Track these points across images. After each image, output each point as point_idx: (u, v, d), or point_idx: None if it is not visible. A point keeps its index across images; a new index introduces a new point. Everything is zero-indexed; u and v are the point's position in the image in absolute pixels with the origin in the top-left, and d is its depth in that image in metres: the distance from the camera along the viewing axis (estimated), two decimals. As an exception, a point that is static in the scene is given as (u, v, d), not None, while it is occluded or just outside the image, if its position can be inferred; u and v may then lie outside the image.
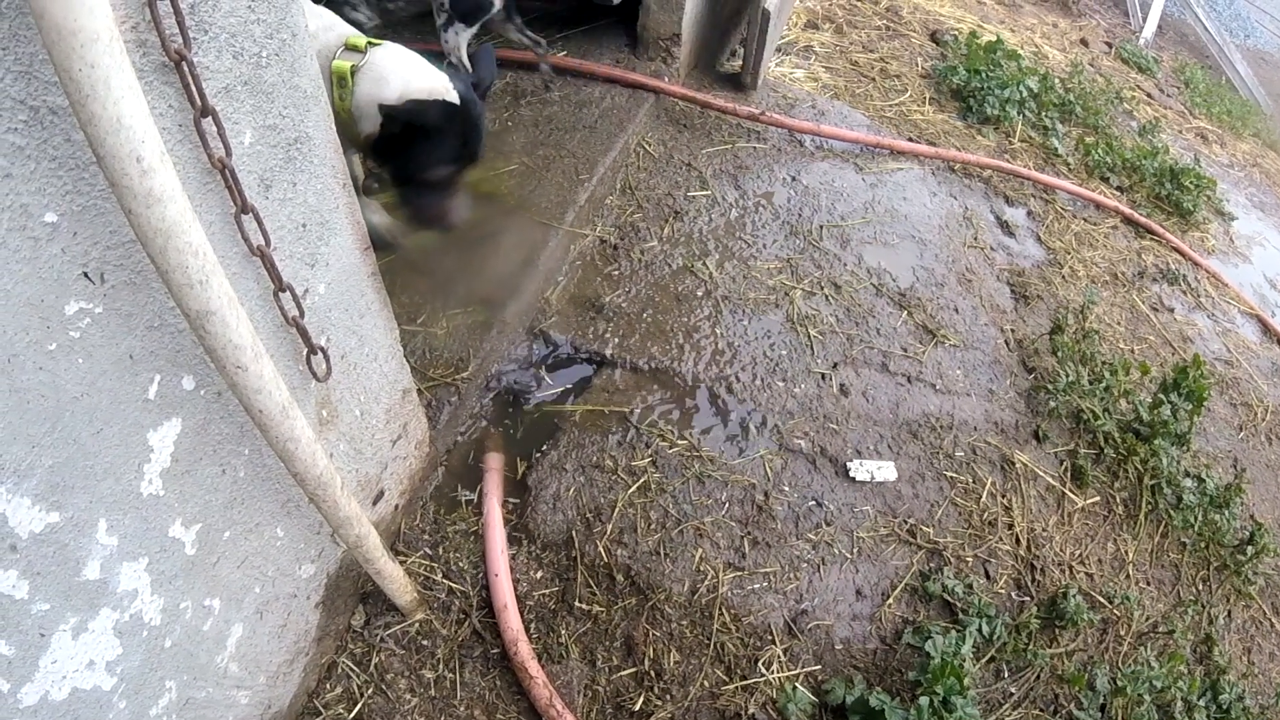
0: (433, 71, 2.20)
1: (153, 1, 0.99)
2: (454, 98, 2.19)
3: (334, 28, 2.17)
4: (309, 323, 1.49)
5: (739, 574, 2.42)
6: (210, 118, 1.13)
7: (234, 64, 1.20)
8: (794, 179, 3.79)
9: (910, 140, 4.34)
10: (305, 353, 1.53)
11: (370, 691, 2.09)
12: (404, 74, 2.15)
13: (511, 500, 2.49)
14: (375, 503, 2.14)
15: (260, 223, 1.29)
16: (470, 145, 2.30)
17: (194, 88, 1.08)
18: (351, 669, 2.11)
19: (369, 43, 2.13)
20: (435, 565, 2.31)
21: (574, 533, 2.41)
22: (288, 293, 1.40)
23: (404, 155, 2.22)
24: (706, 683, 2.23)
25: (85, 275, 1.09)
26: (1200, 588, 2.95)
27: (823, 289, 3.32)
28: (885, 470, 2.77)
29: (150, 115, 0.97)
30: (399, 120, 2.09)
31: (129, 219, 1.02)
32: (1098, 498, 3.01)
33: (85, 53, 0.86)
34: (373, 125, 2.15)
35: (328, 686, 2.08)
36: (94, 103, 0.89)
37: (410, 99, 2.10)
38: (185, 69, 1.06)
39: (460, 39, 3.07)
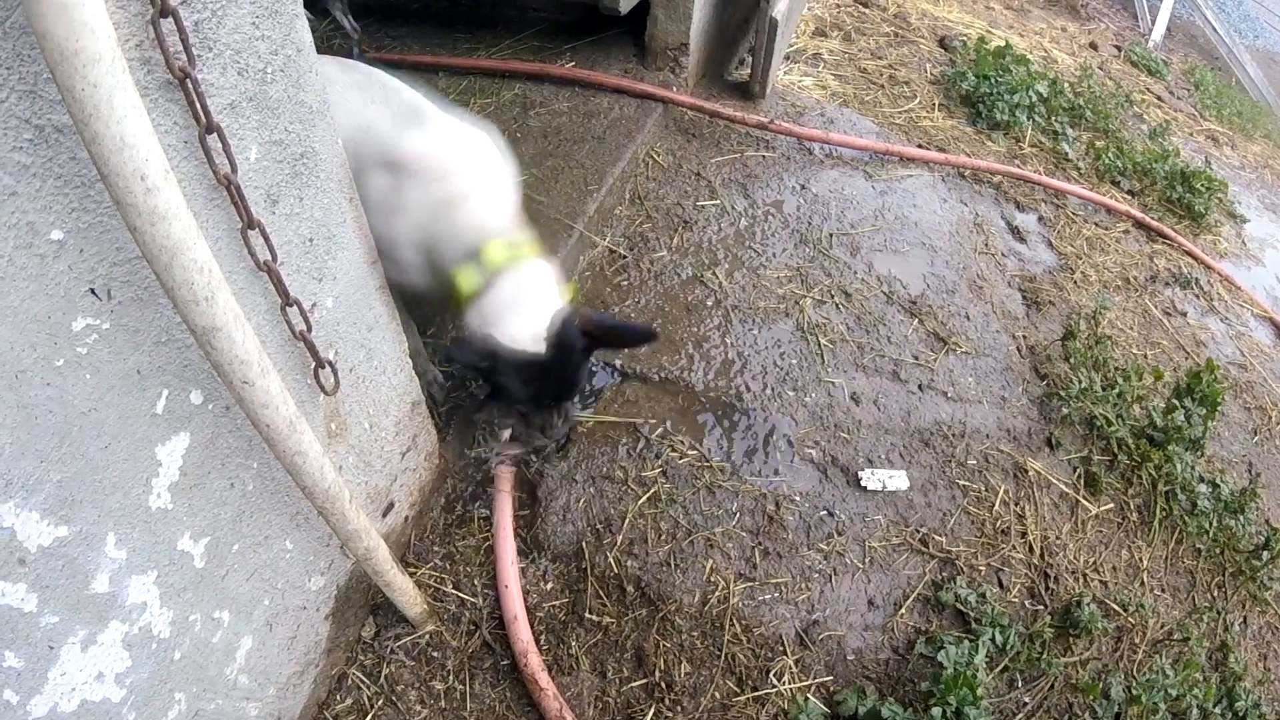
0: (536, 318, 2.02)
1: (156, 19, 1.00)
2: (541, 350, 2.02)
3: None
4: (317, 337, 1.50)
5: (750, 584, 2.41)
6: (215, 134, 1.14)
7: (239, 80, 1.21)
8: (803, 187, 3.79)
9: (920, 147, 4.32)
10: (313, 366, 1.54)
11: (381, 703, 2.09)
12: (504, 319, 2.00)
13: (521, 512, 2.49)
14: (385, 515, 2.15)
15: (267, 238, 1.29)
16: (563, 389, 2.18)
17: (198, 105, 1.09)
18: (362, 680, 2.11)
19: (506, 259, 2.00)
20: (445, 577, 2.31)
21: (584, 544, 2.41)
22: (295, 307, 1.40)
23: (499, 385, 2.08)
24: (717, 694, 2.22)
25: (92, 291, 1.10)
26: (1215, 594, 2.92)
27: (833, 297, 3.31)
28: (897, 479, 2.75)
29: (154, 134, 0.98)
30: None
31: (134, 236, 1.02)
32: (1111, 505, 2.98)
33: (88, 73, 0.87)
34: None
35: (338, 698, 2.08)
36: (97, 122, 0.90)
37: (494, 347, 1.97)
38: (189, 86, 1.07)
39: None
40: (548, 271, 2.08)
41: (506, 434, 2.47)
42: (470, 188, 2.00)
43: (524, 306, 2.01)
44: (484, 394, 2.22)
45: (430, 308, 2.70)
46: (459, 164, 2.00)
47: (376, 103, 1.96)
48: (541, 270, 2.07)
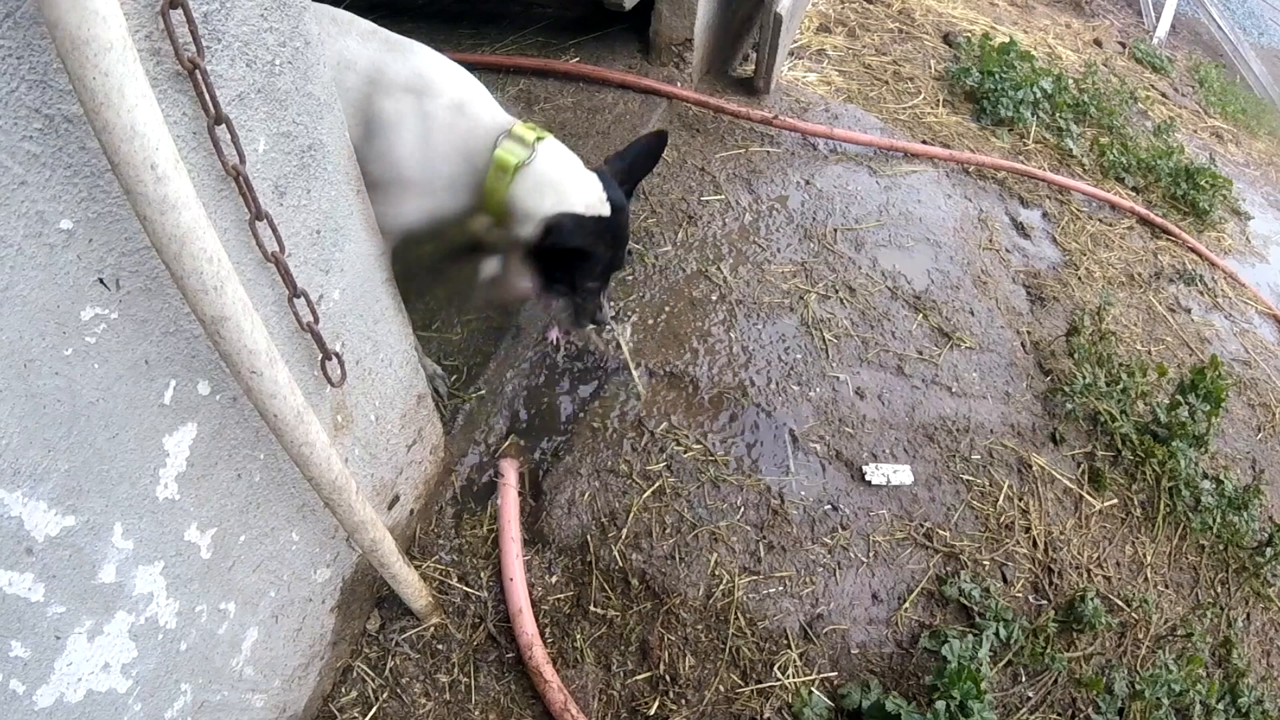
0: (590, 181, 2.13)
1: (166, 10, 1.00)
2: (607, 210, 2.13)
3: (469, 104, 2.08)
4: (324, 328, 1.50)
5: (754, 578, 2.42)
6: (224, 125, 1.14)
7: (247, 72, 1.21)
8: (808, 182, 3.79)
9: (924, 143, 4.32)
10: (320, 358, 1.54)
11: (385, 695, 2.10)
12: (564, 183, 2.09)
13: (526, 505, 2.49)
14: (390, 507, 2.15)
15: (274, 229, 1.30)
16: (618, 254, 2.26)
17: (207, 96, 1.09)
18: (367, 673, 2.12)
19: (537, 137, 2.08)
20: (450, 570, 2.31)
21: (589, 537, 2.41)
22: (302, 298, 1.41)
23: (557, 263, 2.19)
24: (722, 687, 2.23)
25: (101, 281, 1.10)
26: (1219, 590, 2.92)
27: (837, 292, 3.31)
28: (901, 474, 2.75)
29: (164, 123, 0.98)
30: (552, 237, 2.06)
31: (144, 225, 1.03)
32: (1115, 500, 2.98)
33: (99, 61, 0.87)
34: (529, 231, 2.10)
35: (343, 690, 2.09)
36: (108, 111, 0.90)
37: (567, 213, 2.06)
38: (199, 77, 1.07)
39: None
40: (560, 144, 2.17)
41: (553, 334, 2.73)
42: (473, 92, 2.11)
43: (575, 174, 2.12)
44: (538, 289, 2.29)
45: (434, 299, 2.70)
46: (458, 74, 2.10)
47: (366, 37, 2.02)
48: (558, 144, 2.16)
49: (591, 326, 2.49)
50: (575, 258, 2.15)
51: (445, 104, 2.02)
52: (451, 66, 2.11)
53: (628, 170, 2.28)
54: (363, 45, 1.98)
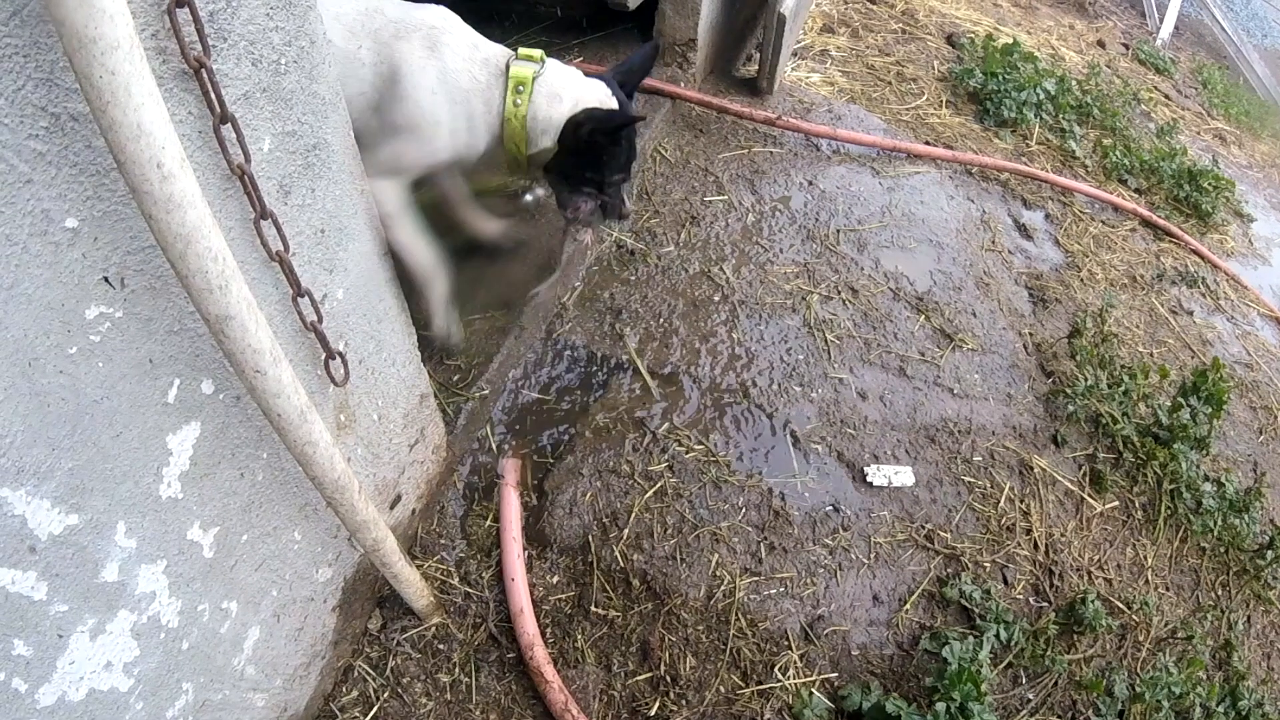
0: (596, 83, 2.35)
1: (172, 9, 1.00)
2: (616, 105, 2.35)
3: (479, 47, 2.26)
4: (327, 328, 1.50)
5: (755, 579, 2.41)
6: (230, 124, 1.14)
7: (253, 71, 1.21)
8: (810, 183, 3.79)
9: (927, 144, 4.32)
10: (324, 358, 1.54)
11: (386, 695, 2.10)
12: (576, 88, 2.30)
13: (528, 505, 2.49)
14: (393, 507, 2.15)
15: (279, 228, 1.30)
16: (633, 146, 2.45)
17: (213, 95, 1.09)
18: (368, 672, 2.12)
19: (541, 55, 2.28)
20: (452, 569, 2.31)
21: (590, 537, 2.41)
22: (306, 298, 1.41)
23: (580, 161, 2.37)
24: (722, 688, 2.23)
25: (106, 280, 1.10)
26: (1220, 593, 2.92)
27: (840, 293, 3.31)
28: (903, 475, 2.75)
29: (170, 122, 0.98)
30: (582, 130, 2.26)
31: (149, 224, 1.03)
32: (1116, 502, 2.98)
33: (106, 60, 0.87)
34: (550, 139, 2.29)
35: (344, 690, 2.09)
36: (114, 109, 0.90)
37: (588, 109, 2.27)
38: (205, 76, 1.07)
39: None
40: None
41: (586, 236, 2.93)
42: (469, 32, 2.27)
43: (582, 79, 2.34)
44: (560, 192, 2.51)
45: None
46: (455, 17, 2.27)
47: None
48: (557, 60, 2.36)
49: (620, 220, 2.72)
50: (600, 153, 2.34)
51: (463, 43, 2.19)
52: (453, 14, 2.28)
53: (626, 75, 2.48)
54: None
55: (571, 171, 2.40)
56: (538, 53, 2.27)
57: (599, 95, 2.32)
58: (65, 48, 0.87)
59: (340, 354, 1.56)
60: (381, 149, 2.17)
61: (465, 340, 2.65)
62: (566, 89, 2.28)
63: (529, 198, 2.48)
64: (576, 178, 2.42)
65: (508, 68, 2.23)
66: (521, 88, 2.21)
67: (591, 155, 2.34)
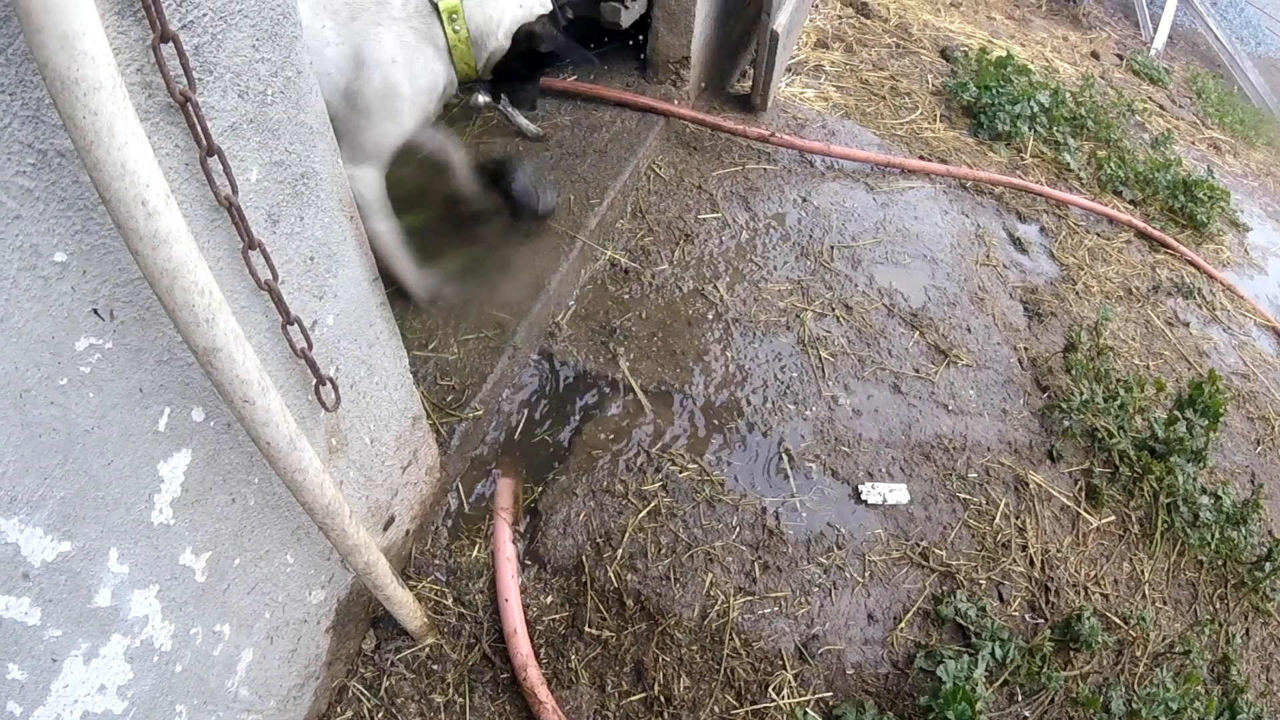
0: None
1: (156, 45, 1.02)
2: (550, 6, 2.57)
3: None
4: (317, 354, 1.51)
5: (749, 598, 2.42)
6: (216, 156, 1.15)
7: (239, 103, 1.22)
8: (804, 200, 3.80)
9: (921, 158, 4.34)
10: (314, 384, 1.55)
11: (380, 715, 2.10)
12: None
13: (522, 525, 2.50)
14: (386, 529, 2.16)
15: (267, 257, 1.31)
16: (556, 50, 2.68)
17: (199, 128, 1.11)
18: (362, 693, 2.12)
19: None
20: (446, 590, 2.32)
21: (584, 557, 2.42)
22: (295, 325, 1.42)
23: (530, 61, 2.59)
24: (716, 708, 2.23)
25: (95, 312, 1.11)
26: (1217, 606, 2.92)
27: (834, 310, 3.32)
28: (897, 493, 2.76)
29: (154, 159, 0.99)
30: (527, 35, 2.49)
31: (136, 260, 1.04)
32: (1113, 517, 2.98)
33: (89, 101, 0.89)
34: (497, 44, 2.48)
35: (338, 710, 2.09)
36: (98, 149, 0.92)
37: (535, 22, 2.50)
38: (190, 110, 1.09)
39: None
40: None
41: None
42: None
43: None
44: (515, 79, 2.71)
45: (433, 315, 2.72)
46: None
47: None
48: None
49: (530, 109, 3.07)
50: (541, 56, 2.58)
51: (397, 5, 2.32)
52: None
53: None
54: None
55: (515, 68, 2.59)
56: None
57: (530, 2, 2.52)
58: (49, 89, 0.89)
59: (331, 379, 1.57)
60: (363, 136, 2.34)
61: (453, 288, 2.81)
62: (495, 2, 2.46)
63: (481, 99, 2.80)
64: (518, 73, 2.64)
65: (435, 5, 2.37)
66: (454, 15, 2.37)
67: (533, 56, 2.57)
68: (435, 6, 2.37)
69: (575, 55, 2.76)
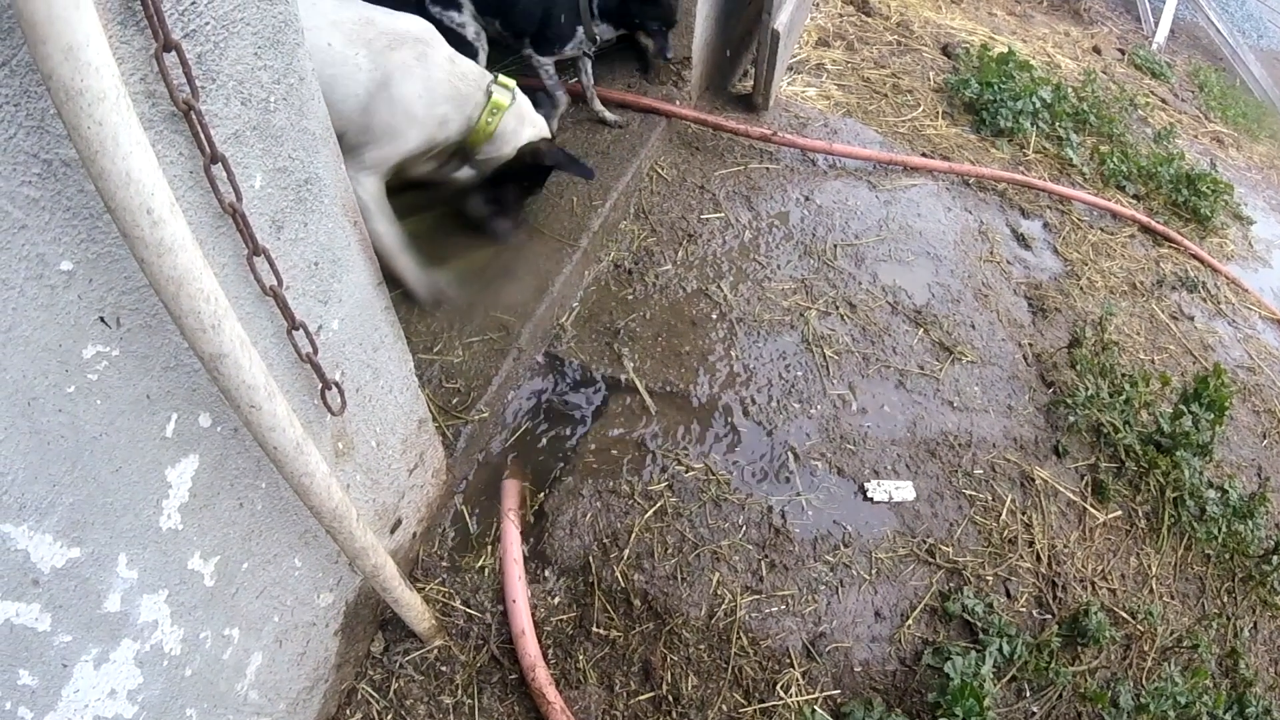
0: (540, 118, 2.90)
1: (159, 55, 1.03)
2: (550, 134, 2.94)
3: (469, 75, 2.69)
4: (323, 358, 1.52)
5: (756, 597, 2.42)
6: (220, 164, 1.16)
7: (242, 110, 1.23)
8: (807, 199, 3.81)
9: (924, 155, 4.34)
10: (320, 388, 1.56)
11: (390, 717, 2.11)
12: (533, 120, 2.83)
13: (528, 526, 2.51)
14: (393, 531, 2.17)
15: (272, 263, 1.32)
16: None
17: (203, 136, 1.12)
18: (371, 695, 2.13)
19: (515, 85, 2.75)
20: (453, 592, 2.33)
21: (591, 558, 2.42)
22: (301, 330, 1.43)
23: (516, 176, 2.90)
24: (725, 706, 2.23)
25: (102, 320, 1.12)
26: (1225, 600, 2.91)
27: (838, 308, 3.32)
28: (903, 490, 2.76)
29: (159, 168, 1.00)
30: (532, 151, 2.80)
31: (141, 268, 1.05)
32: (1119, 512, 2.98)
33: (93, 111, 0.90)
34: (506, 151, 2.79)
35: (348, 712, 2.10)
36: (103, 158, 0.93)
37: (539, 139, 2.83)
38: (194, 118, 1.10)
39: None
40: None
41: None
42: (445, 45, 2.67)
43: (534, 113, 2.86)
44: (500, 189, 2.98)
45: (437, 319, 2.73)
46: (434, 30, 2.67)
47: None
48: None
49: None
50: (534, 170, 2.91)
51: (443, 57, 2.59)
52: (431, 25, 2.67)
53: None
54: (361, 9, 2.51)
55: (505, 180, 2.91)
56: (511, 83, 2.72)
57: (541, 128, 2.86)
58: (53, 99, 0.90)
59: (336, 384, 1.58)
60: (369, 149, 2.52)
61: (456, 289, 2.87)
62: (528, 119, 2.80)
63: (465, 173, 2.89)
64: (504, 187, 2.94)
65: (490, 91, 2.67)
66: (496, 110, 2.67)
67: (523, 172, 2.89)
68: (489, 94, 2.66)
69: (575, 169, 2.95)
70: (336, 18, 2.41)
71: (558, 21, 3.36)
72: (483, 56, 3.40)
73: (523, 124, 2.78)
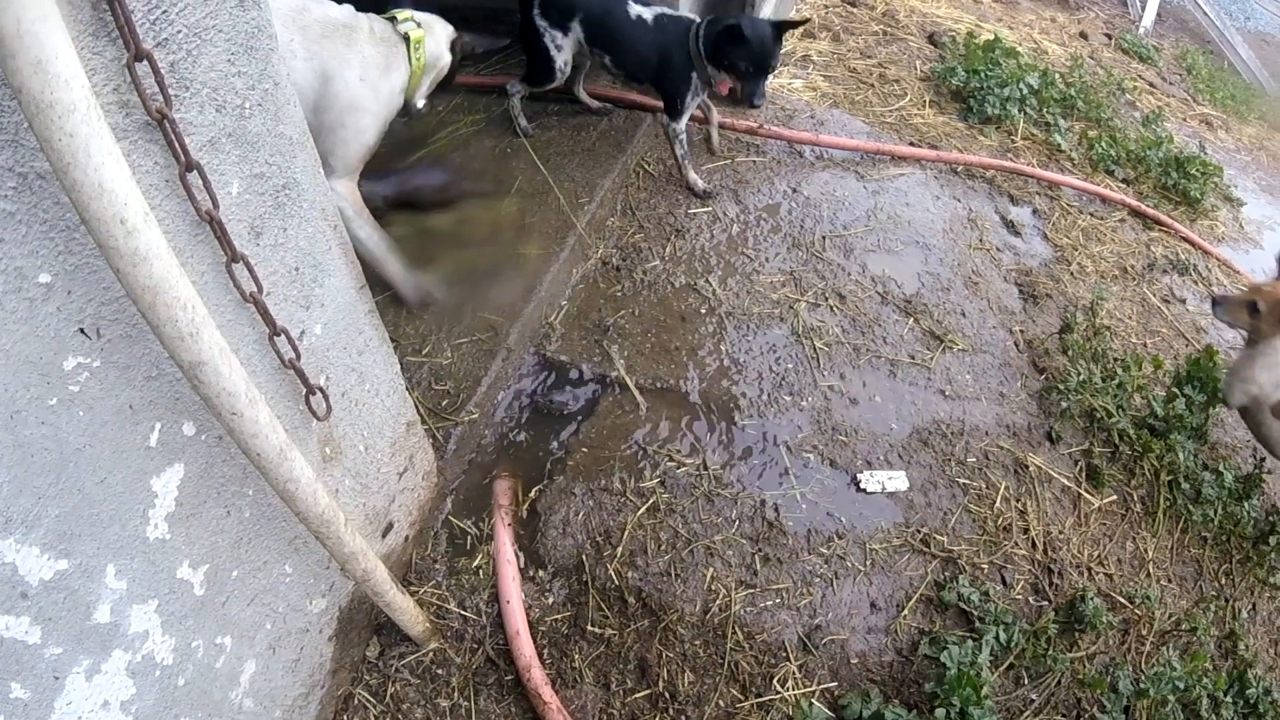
0: (436, 17, 2.82)
1: (131, 64, 1.02)
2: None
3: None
4: (306, 364, 1.52)
5: (751, 591, 2.42)
6: (195, 172, 1.16)
7: (217, 117, 1.23)
8: (795, 190, 3.80)
9: (911, 144, 4.34)
10: (304, 393, 1.56)
11: (387, 722, 2.11)
12: (437, 26, 2.75)
13: (521, 526, 2.51)
14: (384, 535, 2.16)
15: (251, 270, 1.32)
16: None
17: (177, 144, 1.11)
18: (368, 700, 2.13)
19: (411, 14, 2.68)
20: (447, 594, 2.33)
21: (584, 556, 2.42)
22: (283, 336, 1.43)
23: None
24: (721, 702, 2.23)
25: (82, 331, 1.12)
26: (1223, 582, 2.92)
27: (827, 300, 3.32)
28: (896, 480, 2.76)
29: (132, 178, 1.00)
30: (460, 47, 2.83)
31: (118, 277, 1.05)
32: (1114, 497, 2.98)
33: (64, 123, 0.89)
34: (445, 61, 2.77)
35: (345, 718, 2.10)
36: (75, 170, 0.93)
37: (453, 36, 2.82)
38: (167, 126, 1.09)
39: None
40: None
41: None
42: (369, 18, 2.56)
43: (435, 19, 2.77)
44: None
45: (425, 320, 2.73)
46: (357, 12, 2.56)
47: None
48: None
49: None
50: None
51: (367, 31, 2.49)
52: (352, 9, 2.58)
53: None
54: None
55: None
56: (407, 11, 2.65)
57: (435, 21, 2.79)
58: (25, 113, 0.90)
59: (321, 389, 1.58)
60: (332, 155, 2.47)
61: (445, 291, 2.87)
62: (432, 28, 2.72)
63: (420, 106, 2.82)
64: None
65: (406, 36, 2.59)
66: (418, 45, 2.61)
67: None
68: (405, 37, 2.58)
69: (490, 44, 3.10)
70: (274, 3, 2.33)
71: (673, 65, 3.35)
72: (559, 79, 3.44)
73: (433, 33, 2.73)
